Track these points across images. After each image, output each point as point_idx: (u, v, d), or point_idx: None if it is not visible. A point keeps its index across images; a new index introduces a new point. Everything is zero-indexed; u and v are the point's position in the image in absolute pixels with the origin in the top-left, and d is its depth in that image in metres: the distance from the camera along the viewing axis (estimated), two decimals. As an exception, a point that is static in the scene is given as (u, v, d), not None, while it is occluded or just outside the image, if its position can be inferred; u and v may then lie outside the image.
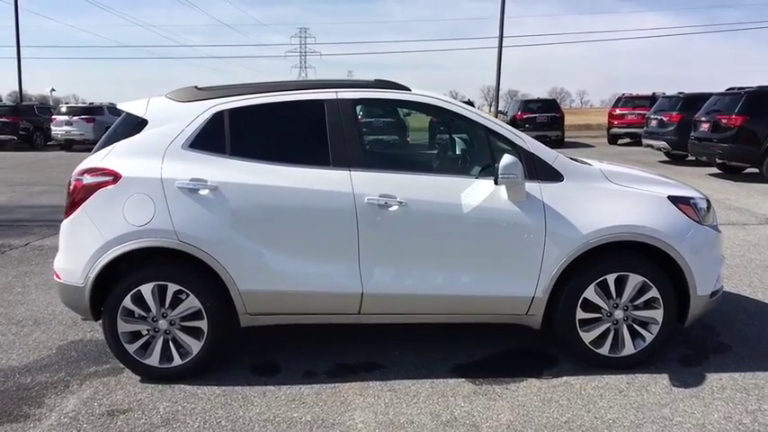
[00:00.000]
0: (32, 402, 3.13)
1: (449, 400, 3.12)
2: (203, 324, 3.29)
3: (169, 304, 3.27)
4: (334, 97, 3.39)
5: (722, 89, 12.66)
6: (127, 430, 2.86)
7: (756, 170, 11.21)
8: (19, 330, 4.11)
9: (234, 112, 3.35)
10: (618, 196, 3.37)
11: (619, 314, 3.38)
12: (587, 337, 3.39)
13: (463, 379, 3.35)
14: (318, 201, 3.23)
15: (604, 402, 3.08)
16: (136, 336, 3.32)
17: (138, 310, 3.27)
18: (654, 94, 20.67)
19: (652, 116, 15.40)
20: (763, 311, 4.33)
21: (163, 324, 3.30)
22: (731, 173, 12.03)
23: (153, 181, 3.22)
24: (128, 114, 3.49)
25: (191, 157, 3.29)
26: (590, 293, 3.33)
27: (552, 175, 3.35)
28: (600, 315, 3.38)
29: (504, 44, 27.09)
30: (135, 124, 3.40)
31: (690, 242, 3.33)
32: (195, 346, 3.31)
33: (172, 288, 3.25)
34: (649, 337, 3.40)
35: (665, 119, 14.68)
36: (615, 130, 20.90)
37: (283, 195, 3.23)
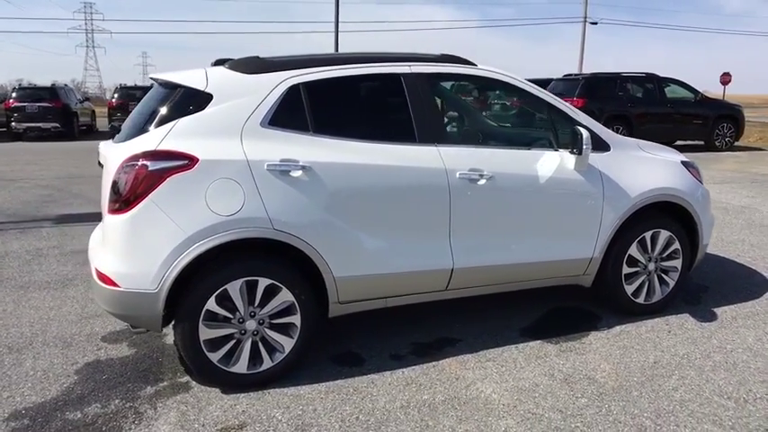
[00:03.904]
0: (115, 437, 2.58)
1: (546, 361, 3.29)
2: (296, 319, 3.00)
3: (259, 302, 2.92)
4: (409, 71, 3.29)
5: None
6: (264, 444, 2.53)
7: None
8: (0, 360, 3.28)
9: (311, 85, 3.07)
10: (651, 163, 3.82)
11: (651, 266, 3.86)
12: (629, 289, 3.82)
13: (539, 341, 3.54)
14: (413, 178, 3.13)
15: (667, 342, 3.52)
16: (218, 342, 2.90)
17: (222, 312, 2.87)
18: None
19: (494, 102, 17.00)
20: (707, 258, 5.22)
21: (251, 324, 2.93)
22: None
23: (238, 163, 2.82)
24: (180, 87, 2.98)
25: (272, 135, 2.94)
26: (633, 250, 3.75)
27: (602, 145, 3.67)
28: (638, 269, 3.83)
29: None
30: (195, 99, 2.93)
31: (699, 200, 3.93)
32: (287, 343, 3.01)
33: (263, 283, 2.90)
34: (671, 283, 3.94)
35: (507, 104, 16.32)
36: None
37: (377, 174, 3.07)
